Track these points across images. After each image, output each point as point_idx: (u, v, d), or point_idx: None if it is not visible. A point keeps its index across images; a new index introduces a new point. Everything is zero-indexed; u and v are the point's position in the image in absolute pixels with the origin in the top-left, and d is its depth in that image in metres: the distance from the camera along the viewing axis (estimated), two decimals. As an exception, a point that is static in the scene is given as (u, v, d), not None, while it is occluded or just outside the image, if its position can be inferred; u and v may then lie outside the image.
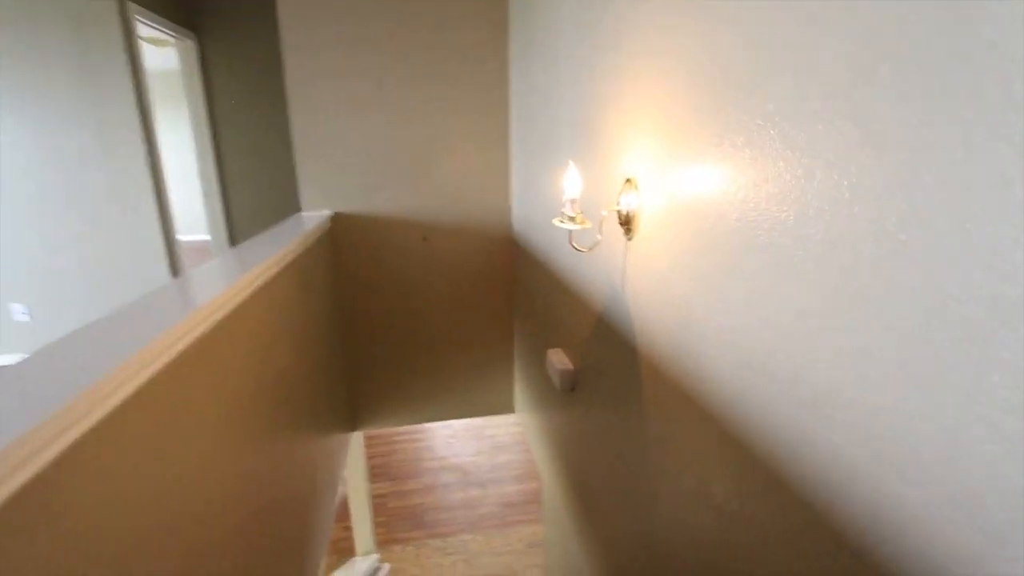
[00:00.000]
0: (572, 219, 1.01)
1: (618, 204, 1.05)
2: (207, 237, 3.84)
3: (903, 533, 0.46)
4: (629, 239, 1.04)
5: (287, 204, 2.63)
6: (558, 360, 1.60)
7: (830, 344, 0.53)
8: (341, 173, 2.21)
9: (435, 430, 6.41)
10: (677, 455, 0.90)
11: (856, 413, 0.50)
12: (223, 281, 1.06)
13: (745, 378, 0.68)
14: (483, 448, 6.04)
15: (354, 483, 2.90)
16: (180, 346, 0.82)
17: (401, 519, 4.96)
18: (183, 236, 3.30)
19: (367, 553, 3.06)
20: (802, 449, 0.58)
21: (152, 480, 0.72)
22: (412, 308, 2.49)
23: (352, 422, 2.54)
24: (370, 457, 5.98)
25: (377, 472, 5.65)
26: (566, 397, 1.61)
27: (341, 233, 2.25)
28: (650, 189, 0.96)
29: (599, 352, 1.30)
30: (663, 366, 0.92)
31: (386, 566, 3.19)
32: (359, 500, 2.94)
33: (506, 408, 2.73)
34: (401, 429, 6.46)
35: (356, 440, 2.85)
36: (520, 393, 2.52)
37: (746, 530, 0.72)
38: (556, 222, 1.03)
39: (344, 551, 4.17)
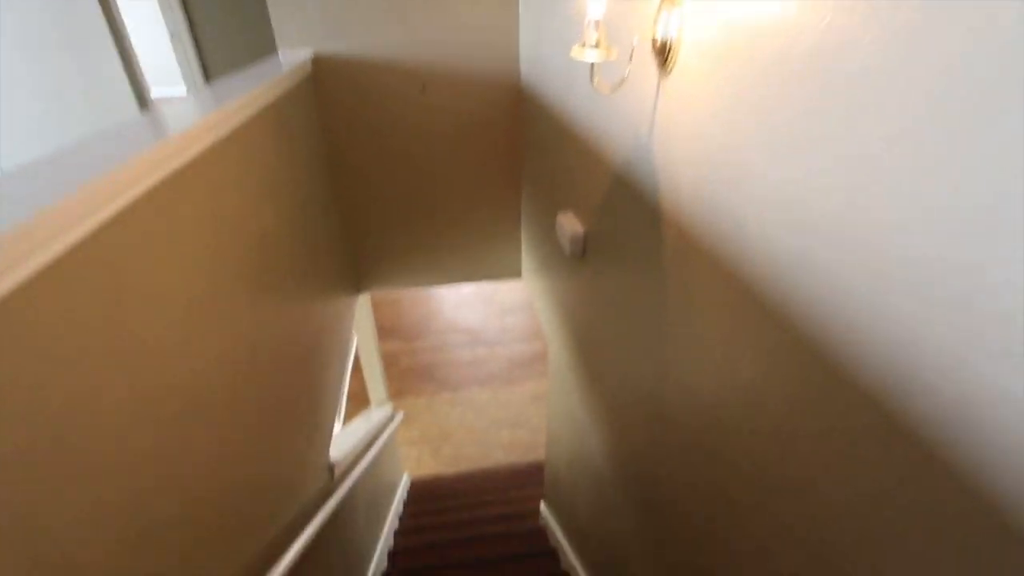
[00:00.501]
0: (595, 47, 0.82)
1: (654, 29, 0.84)
2: (183, 90, 3.51)
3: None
4: (664, 75, 0.85)
5: (267, 50, 2.32)
6: (568, 223, 1.47)
7: (935, 204, 0.40)
8: (323, 7, 1.89)
9: (444, 296, 6.56)
10: (701, 328, 0.82)
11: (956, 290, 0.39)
12: (194, 114, 0.91)
13: (806, 247, 0.56)
14: (491, 312, 6.22)
15: (364, 343, 2.98)
16: (151, 180, 0.70)
17: (413, 375, 5.28)
18: (158, 90, 3.00)
19: (380, 404, 3.25)
20: (878, 333, 0.48)
21: (115, 340, 0.65)
22: (412, 167, 2.32)
23: (356, 284, 2.51)
24: (381, 319, 6.20)
25: (389, 332, 5.89)
26: (575, 263, 1.52)
27: (328, 80, 2.00)
28: (698, 9, 0.75)
29: (615, 214, 1.17)
30: (693, 230, 0.80)
31: (400, 414, 3.42)
32: (370, 358, 3.05)
33: (512, 273, 2.68)
34: (410, 294, 6.61)
35: (363, 302, 2.86)
36: (527, 258, 2.44)
37: (771, 415, 0.65)
38: (575, 52, 0.83)
39: (363, 401, 4.50)
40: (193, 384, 0.85)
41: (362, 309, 2.88)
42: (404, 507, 3.31)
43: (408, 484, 3.79)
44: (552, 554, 2.39)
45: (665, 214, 0.91)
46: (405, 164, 2.30)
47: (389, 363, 5.39)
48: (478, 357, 5.50)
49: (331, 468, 1.68)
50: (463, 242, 2.55)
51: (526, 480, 3.64)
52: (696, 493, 0.92)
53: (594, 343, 1.47)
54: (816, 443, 0.58)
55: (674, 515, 1.04)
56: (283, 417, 1.30)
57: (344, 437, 2.18)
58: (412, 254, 2.54)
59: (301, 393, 1.45)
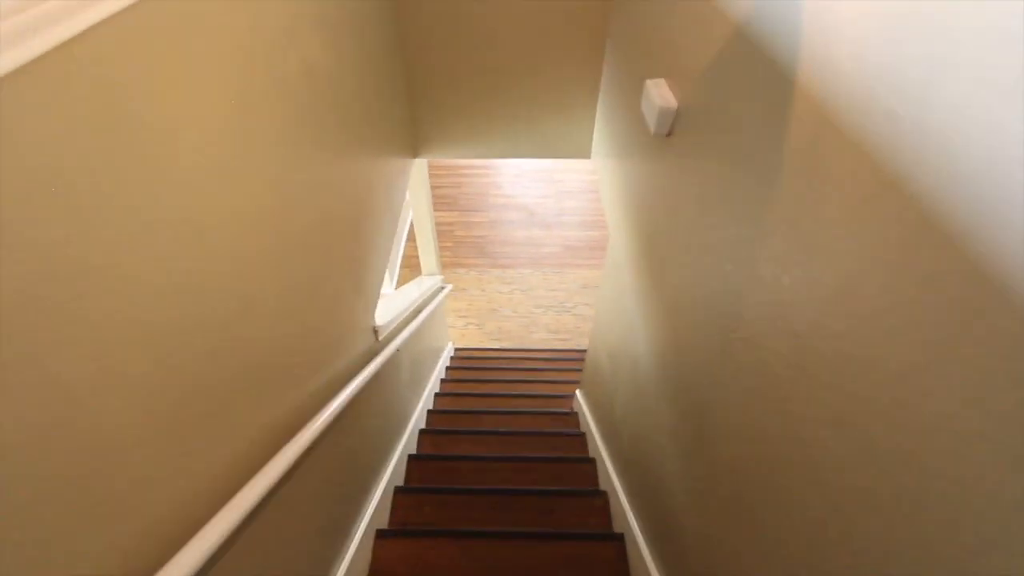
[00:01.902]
0: None
1: None
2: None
3: None
4: None
5: None
6: (657, 93, 1.23)
7: None
8: None
9: (503, 168, 6.30)
10: (823, 239, 0.64)
11: None
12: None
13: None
14: (550, 192, 5.97)
15: (418, 210, 2.91)
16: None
17: (466, 246, 5.28)
18: None
19: (431, 274, 3.26)
20: None
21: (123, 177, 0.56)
22: (483, 24, 2.02)
23: (413, 146, 2.37)
24: (437, 187, 6.09)
25: (445, 202, 5.82)
26: (659, 143, 1.30)
27: None
28: None
29: (722, 86, 0.94)
30: (845, 114, 0.59)
31: (448, 286, 3.45)
32: (423, 226, 2.99)
33: (581, 152, 2.43)
34: (468, 163, 6.39)
35: (419, 167, 2.73)
36: (600, 136, 2.19)
37: (901, 360, 0.50)
38: None
39: (416, 267, 4.59)
40: (230, 229, 0.78)
41: (418, 174, 2.76)
42: (447, 371, 3.46)
43: (452, 352, 3.94)
44: (581, 436, 2.45)
45: (800, 89, 0.68)
46: (476, 20, 2.00)
47: (443, 233, 5.39)
48: (533, 238, 5.40)
49: (375, 330, 1.69)
50: (531, 112, 2.30)
51: (565, 365, 3.70)
52: (761, 435, 0.81)
53: (663, 237, 1.30)
54: (968, 413, 0.44)
55: (724, 448, 0.95)
56: (330, 271, 1.26)
57: (393, 301, 2.19)
58: (475, 120, 2.33)
59: (348, 251, 1.40)
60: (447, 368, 3.51)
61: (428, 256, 3.16)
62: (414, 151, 2.39)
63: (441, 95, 2.25)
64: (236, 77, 0.79)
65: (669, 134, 1.24)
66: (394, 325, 1.93)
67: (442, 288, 3.43)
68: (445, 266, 5.01)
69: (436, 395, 2.98)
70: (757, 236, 0.81)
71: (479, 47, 2.10)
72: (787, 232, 0.72)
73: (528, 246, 5.26)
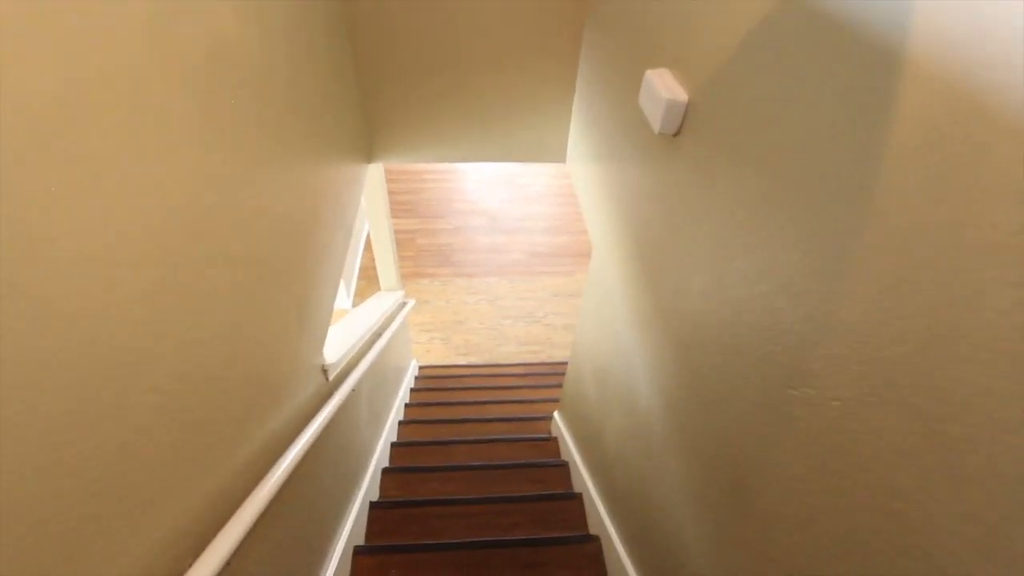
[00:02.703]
0: None
1: None
2: None
3: None
4: None
5: None
6: (663, 85, 1.02)
7: None
8: None
9: (466, 173, 6.05)
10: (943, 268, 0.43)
11: None
12: None
13: None
14: (513, 196, 5.76)
15: (375, 220, 2.62)
16: None
17: (429, 255, 5.00)
18: None
19: (391, 289, 2.98)
20: None
21: None
22: (445, 13, 1.78)
23: (367, 152, 2.09)
24: (396, 193, 5.78)
25: (405, 208, 5.51)
26: (662, 144, 1.09)
27: None
28: None
29: (760, 71, 0.73)
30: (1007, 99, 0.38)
31: (410, 302, 3.17)
32: (381, 237, 2.71)
33: (555, 156, 2.22)
34: (429, 168, 6.10)
35: (375, 173, 2.45)
36: (578, 137, 1.98)
37: None
38: None
39: (375, 278, 4.26)
40: (102, 265, 0.51)
41: (373, 180, 2.48)
42: (411, 394, 3.18)
43: (416, 371, 3.66)
44: (564, 467, 2.23)
45: (915, 65, 0.48)
46: (435, 9, 1.76)
47: (404, 241, 5.09)
48: (497, 244, 5.17)
49: (325, 370, 1.41)
50: (498, 112, 2.07)
51: (539, 381, 3.48)
52: (844, 536, 0.61)
53: (670, 257, 1.09)
54: None
55: (779, 531, 0.75)
56: (265, 307, 0.99)
57: (348, 328, 1.91)
58: (435, 121, 2.08)
59: (289, 280, 1.13)
60: (411, 390, 3.23)
61: (387, 269, 2.88)
62: (368, 156, 2.12)
63: (397, 93, 1.99)
64: (92, 49, 0.53)
65: (677, 133, 1.03)
66: (349, 358, 1.66)
67: (404, 304, 3.15)
68: (407, 276, 4.72)
69: (400, 423, 2.70)
70: (831, 267, 0.60)
71: (439, 39, 1.86)
72: (893, 262, 0.51)
73: (493, 253, 5.03)
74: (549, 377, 3.51)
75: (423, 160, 2.18)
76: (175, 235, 0.68)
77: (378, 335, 2.29)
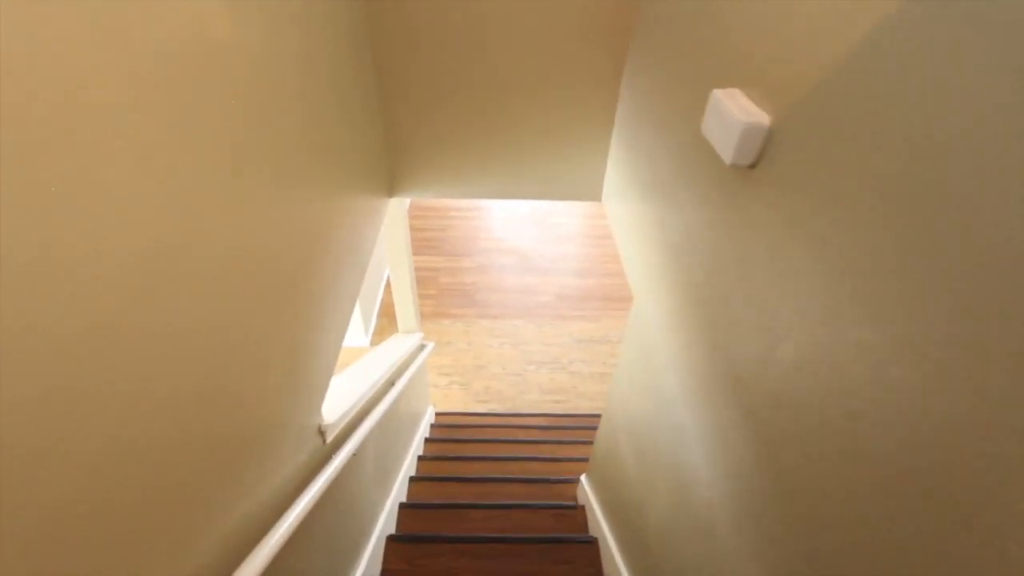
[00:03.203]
0: None
1: None
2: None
3: None
4: None
5: None
6: (738, 107, 0.83)
7: None
8: None
9: (492, 210, 5.96)
10: None
11: None
12: None
13: None
14: (545, 236, 5.61)
15: (395, 257, 2.47)
16: None
17: (452, 295, 4.84)
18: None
19: (409, 331, 2.80)
20: None
21: None
22: (476, 39, 1.66)
23: (388, 184, 1.96)
24: (421, 230, 5.70)
25: (430, 246, 5.41)
26: (735, 178, 0.89)
27: None
28: None
29: (864, 85, 0.54)
30: None
31: (429, 345, 2.98)
32: (400, 277, 2.55)
33: (589, 193, 2.05)
34: (455, 203, 6.04)
35: (396, 207, 2.32)
36: (616, 173, 1.80)
37: None
38: None
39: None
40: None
41: (394, 216, 2.34)
42: (425, 444, 2.95)
43: (433, 418, 3.43)
44: (593, 544, 1.95)
45: None
46: (465, 33, 1.64)
47: (426, 280, 4.96)
48: (525, 285, 4.99)
49: (322, 431, 1.21)
50: (531, 147, 1.92)
51: (564, 435, 3.21)
52: None
53: (733, 307, 0.88)
54: None
55: None
56: (246, 361, 0.81)
57: (353, 378, 1.72)
58: (462, 154, 1.93)
59: (280, 331, 0.95)
60: (426, 439, 2.99)
61: (406, 310, 2.71)
62: (389, 189, 1.98)
63: (423, 122, 1.86)
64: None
65: (754, 165, 0.83)
66: (353, 414, 1.46)
67: (422, 347, 2.96)
68: (428, 316, 4.56)
69: (411, 479, 2.46)
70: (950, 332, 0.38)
71: (468, 66, 1.73)
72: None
73: (520, 294, 4.85)
74: (575, 432, 3.23)
75: (448, 195, 2.03)
76: (115, 271, 0.51)
77: (391, 384, 2.09)
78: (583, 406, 3.86)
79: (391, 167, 1.94)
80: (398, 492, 2.24)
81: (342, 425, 1.33)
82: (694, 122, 1.04)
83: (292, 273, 1.01)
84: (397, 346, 2.50)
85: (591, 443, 2.98)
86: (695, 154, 1.04)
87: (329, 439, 1.25)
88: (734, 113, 0.83)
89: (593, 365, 4.19)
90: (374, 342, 4.28)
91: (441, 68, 1.73)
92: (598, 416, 3.78)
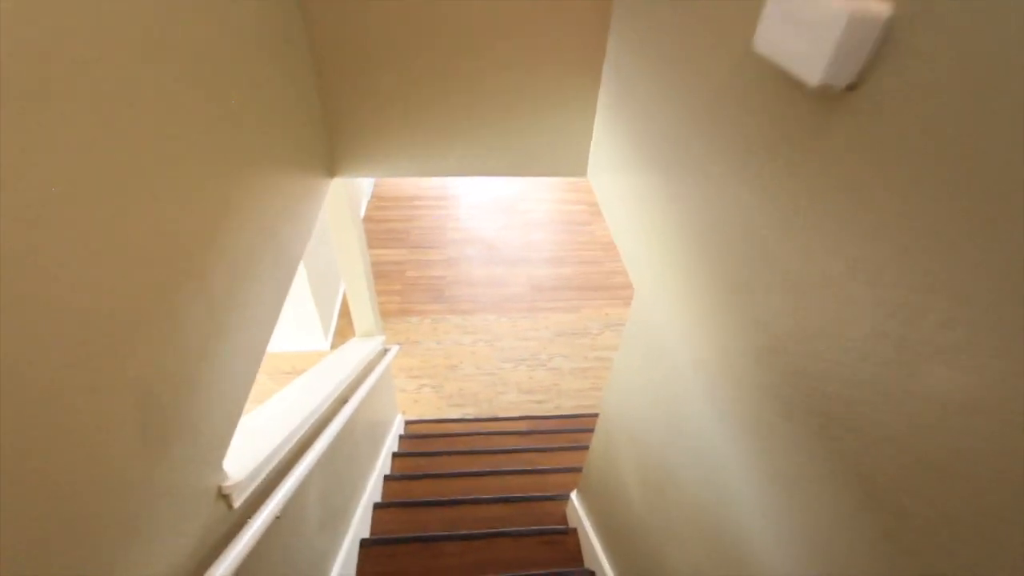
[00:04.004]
0: None
1: None
2: None
3: None
4: None
5: None
6: (828, -4, 0.53)
7: None
8: None
9: (460, 199, 5.59)
10: None
11: None
12: None
13: None
14: (514, 223, 5.28)
15: (344, 249, 2.11)
16: None
17: (419, 290, 4.48)
18: None
19: (367, 335, 2.45)
20: None
21: None
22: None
23: (328, 162, 1.60)
24: (384, 221, 5.30)
25: (393, 238, 5.02)
26: (816, 109, 0.59)
27: None
28: None
29: None
30: None
31: (393, 348, 2.64)
32: (353, 269, 2.19)
33: (572, 167, 1.73)
34: (421, 193, 5.65)
35: (342, 192, 1.95)
36: (607, 142, 1.49)
37: None
38: None
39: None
40: None
41: (340, 201, 1.98)
42: (392, 460, 2.61)
43: (402, 428, 3.09)
44: (589, 577, 1.67)
45: None
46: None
47: (391, 274, 4.58)
48: (495, 277, 4.66)
49: (225, 494, 0.87)
50: (497, 114, 1.59)
51: (547, 441, 2.92)
52: None
53: (809, 295, 0.59)
54: None
55: None
56: (45, 392, 0.47)
57: (284, 409, 1.38)
58: (420, 125, 1.59)
59: (122, 345, 0.61)
60: (394, 455, 2.66)
61: (362, 311, 2.36)
62: (329, 167, 1.62)
63: (370, 89, 1.51)
64: None
65: (854, 86, 0.53)
66: (279, 459, 1.11)
67: (385, 352, 2.61)
68: (393, 314, 4.20)
69: (376, 506, 2.13)
70: None
71: (420, 17, 1.39)
72: None
73: (490, 287, 4.53)
74: (559, 437, 2.95)
75: (404, 173, 1.69)
76: None
77: (342, 401, 1.75)
78: (566, 405, 3.58)
79: (330, 142, 1.58)
80: (360, 525, 1.91)
81: (260, 479, 0.98)
82: (736, 42, 0.73)
83: (158, 277, 0.66)
84: (352, 354, 2.15)
85: (579, 448, 2.70)
86: (737, 92, 0.74)
87: (238, 503, 0.91)
88: (826, 4, 0.52)
89: (574, 360, 3.92)
90: (335, 344, 3.90)
91: (388, 22, 1.38)
92: (584, 416, 3.51)
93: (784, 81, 0.62)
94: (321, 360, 2.00)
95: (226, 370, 0.88)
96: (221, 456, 0.86)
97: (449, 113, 1.58)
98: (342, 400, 1.82)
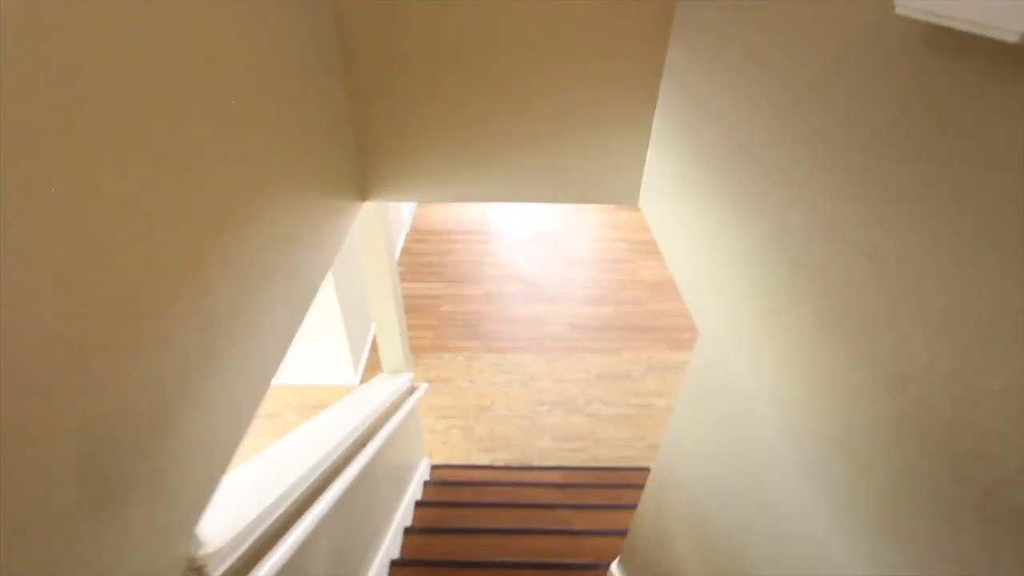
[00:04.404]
0: None
1: None
2: None
3: None
4: None
5: None
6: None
7: None
8: None
9: (499, 234, 5.51)
10: None
11: None
12: None
13: None
14: (553, 260, 5.14)
15: (375, 277, 2.00)
16: None
17: (454, 326, 4.35)
18: None
19: (396, 371, 2.30)
20: None
21: None
22: (471, 22, 1.23)
23: (360, 184, 1.50)
24: (421, 255, 5.25)
25: (431, 272, 4.95)
26: (1016, 74, 0.41)
27: None
28: None
29: None
30: None
31: (422, 386, 2.48)
32: (383, 301, 2.07)
33: (622, 194, 1.58)
34: (458, 226, 5.60)
35: (374, 216, 1.85)
36: (665, 165, 1.33)
37: None
38: None
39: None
40: None
41: (374, 229, 1.88)
42: (415, 509, 2.41)
43: (427, 473, 2.90)
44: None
45: None
46: (456, 11, 1.22)
47: (426, 308, 4.48)
48: (533, 315, 4.49)
49: (198, 567, 0.71)
50: (540, 136, 1.47)
51: (583, 496, 2.66)
52: None
53: (943, 335, 0.39)
54: None
55: None
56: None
57: (294, 455, 1.23)
58: (456, 146, 1.48)
59: (60, 386, 0.47)
60: (417, 504, 2.46)
61: (391, 345, 2.22)
62: (361, 190, 1.52)
63: (407, 101, 1.41)
64: None
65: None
66: (278, 514, 0.95)
67: (412, 390, 2.46)
68: (425, 350, 4.07)
69: (393, 564, 1.93)
70: None
71: (459, 30, 1.29)
72: None
73: (528, 325, 4.35)
74: (598, 493, 2.68)
75: (440, 199, 1.57)
76: None
77: (361, 445, 1.59)
78: (604, 455, 3.31)
79: (362, 163, 1.49)
80: (373, 585, 1.71)
81: (246, 546, 0.82)
82: (854, 12, 0.56)
83: (140, 282, 0.53)
84: (377, 391, 2.01)
85: (619, 507, 2.43)
86: (854, 75, 0.56)
87: (219, 574, 0.74)
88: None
89: (614, 405, 3.65)
90: (365, 379, 3.79)
91: (430, 39, 1.30)
92: (624, 470, 3.22)
93: (947, 45, 0.45)
94: (342, 398, 1.86)
95: (214, 409, 0.73)
96: (196, 518, 0.71)
97: (490, 135, 1.47)
98: (360, 444, 1.66)
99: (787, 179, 0.71)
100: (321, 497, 1.14)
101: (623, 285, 4.83)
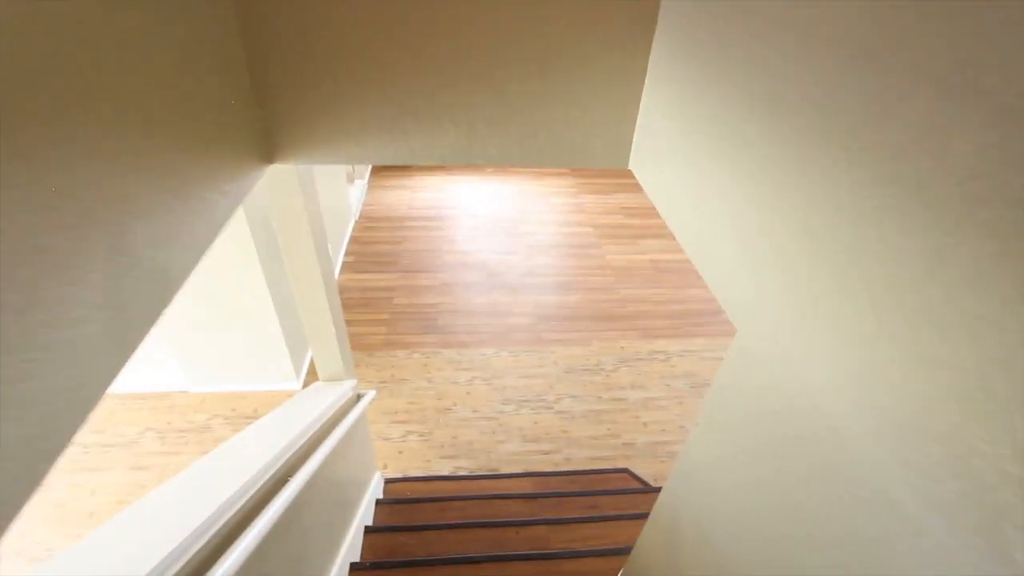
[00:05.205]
0: None
1: None
2: None
3: None
4: None
5: None
6: None
7: None
8: None
9: (457, 220, 5.14)
10: None
11: None
12: None
13: None
14: (516, 247, 4.82)
15: (299, 264, 1.61)
16: None
17: (408, 320, 3.97)
18: None
19: (334, 378, 1.93)
20: None
21: None
22: None
23: (263, 140, 1.12)
24: (371, 243, 4.82)
25: (382, 262, 4.54)
26: None
27: None
28: None
29: None
30: None
31: (368, 394, 2.12)
32: (311, 294, 1.69)
33: (607, 155, 1.26)
34: (413, 213, 5.20)
35: (290, 187, 1.46)
36: (670, 118, 1.02)
37: None
38: None
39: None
40: None
41: (290, 201, 1.49)
42: (364, 537, 2.06)
43: (380, 490, 2.54)
44: None
45: None
46: None
47: (378, 301, 4.08)
48: (496, 305, 4.16)
49: None
50: (501, 79, 1.13)
51: (559, 509, 2.37)
52: None
53: None
54: None
55: None
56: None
57: (187, 495, 0.87)
58: (392, 96, 1.13)
59: None
60: (366, 530, 2.11)
61: (326, 348, 1.84)
62: (267, 150, 1.14)
63: (322, 30, 1.05)
64: None
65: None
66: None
67: (358, 398, 2.10)
68: (377, 347, 3.68)
69: (335, 615, 1.58)
70: None
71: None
72: None
73: (490, 316, 4.03)
74: (573, 502, 2.40)
75: (372, 159, 1.21)
76: None
77: (282, 482, 1.23)
78: (577, 457, 3.04)
79: (266, 113, 1.11)
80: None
81: None
82: None
83: None
84: (312, 405, 1.64)
85: (599, 520, 2.16)
86: None
87: None
88: None
89: (586, 401, 3.39)
90: (309, 383, 3.37)
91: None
92: (602, 473, 2.96)
93: None
94: (262, 418, 1.48)
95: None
96: None
97: (438, 77, 1.12)
98: (287, 473, 1.30)
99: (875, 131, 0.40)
100: (235, 544, 0.78)
101: (589, 271, 4.56)
